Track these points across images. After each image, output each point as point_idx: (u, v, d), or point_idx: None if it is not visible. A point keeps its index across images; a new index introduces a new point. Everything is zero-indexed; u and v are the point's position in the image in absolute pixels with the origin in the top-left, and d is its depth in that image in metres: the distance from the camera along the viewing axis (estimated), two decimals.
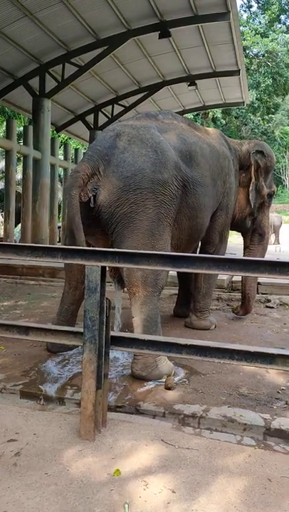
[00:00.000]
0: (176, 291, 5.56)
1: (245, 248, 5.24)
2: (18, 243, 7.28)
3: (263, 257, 5.08)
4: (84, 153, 4.03)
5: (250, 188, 4.75)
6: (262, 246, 5.13)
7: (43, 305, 5.64)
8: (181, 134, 3.84)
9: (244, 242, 5.23)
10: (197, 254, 2.41)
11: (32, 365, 3.42)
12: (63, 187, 11.80)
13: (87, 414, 2.27)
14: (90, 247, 3.40)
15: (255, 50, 28.01)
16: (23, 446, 2.18)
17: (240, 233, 5.31)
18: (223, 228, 4.54)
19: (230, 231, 5.05)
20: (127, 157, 3.30)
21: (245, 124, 36.99)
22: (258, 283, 6.34)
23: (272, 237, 19.09)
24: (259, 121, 34.84)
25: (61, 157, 13.65)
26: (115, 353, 3.56)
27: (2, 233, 13.28)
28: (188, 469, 2.03)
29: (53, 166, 11.97)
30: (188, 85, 12.72)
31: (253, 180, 4.76)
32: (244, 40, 25.35)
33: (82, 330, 2.33)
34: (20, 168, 12.77)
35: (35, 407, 2.76)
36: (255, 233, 5.08)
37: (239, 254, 6.93)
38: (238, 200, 4.81)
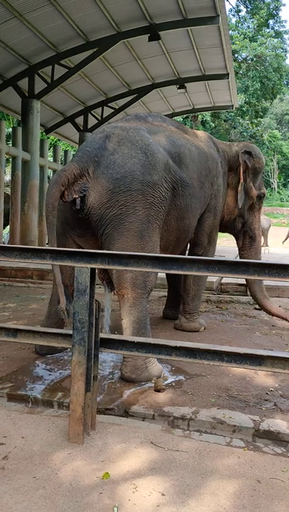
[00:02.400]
0: (166, 293, 5.56)
1: (238, 251, 5.26)
2: (6, 245, 7.20)
3: (258, 259, 5.09)
4: (73, 154, 4.02)
5: (239, 188, 4.73)
6: (254, 249, 5.11)
7: (32, 307, 5.60)
8: (170, 136, 3.86)
9: (237, 244, 5.23)
10: (186, 256, 2.41)
11: (20, 368, 3.39)
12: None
13: (76, 417, 2.25)
14: (79, 248, 3.39)
15: (243, 54, 28.20)
16: (11, 450, 2.16)
17: (230, 236, 5.33)
18: (211, 230, 4.55)
19: (221, 234, 5.06)
20: (117, 159, 3.30)
21: (234, 128, 37.19)
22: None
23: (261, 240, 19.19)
24: (248, 124, 35.07)
25: (50, 159, 13.58)
26: (105, 355, 3.54)
27: None
28: (177, 472, 2.02)
29: (42, 168, 11.92)
30: (178, 88, 12.77)
31: (241, 181, 4.74)
32: (233, 44, 25.54)
33: (71, 332, 2.31)
34: (9, 169, 12.68)
35: (24, 410, 2.73)
36: (246, 235, 5.08)
37: (228, 256, 6.96)
38: (227, 202, 4.81)
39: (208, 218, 4.43)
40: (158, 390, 2.99)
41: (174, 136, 3.93)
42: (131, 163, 3.30)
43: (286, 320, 4.87)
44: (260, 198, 5.03)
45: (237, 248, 5.32)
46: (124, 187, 3.22)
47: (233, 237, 5.28)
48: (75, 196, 3.19)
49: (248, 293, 6.37)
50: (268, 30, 29.77)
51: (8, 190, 11.73)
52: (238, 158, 4.77)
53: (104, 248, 3.23)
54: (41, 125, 12.34)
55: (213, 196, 4.41)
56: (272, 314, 4.95)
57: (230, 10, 31.01)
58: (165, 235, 3.67)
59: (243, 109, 27.99)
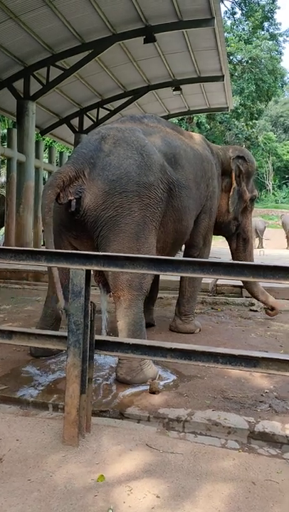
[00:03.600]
0: (162, 295, 5.56)
1: (231, 253, 5.27)
2: (1, 246, 7.20)
3: (251, 261, 5.11)
4: (69, 156, 4.01)
5: (231, 193, 4.79)
6: (248, 252, 5.16)
7: (27, 309, 5.58)
8: (165, 137, 3.86)
9: (229, 246, 5.25)
10: (182, 258, 2.41)
11: (15, 370, 3.37)
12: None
13: (70, 420, 2.24)
14: (74, 250, 3.38)
15: (239, 57, 28.27)
16: (5, 453, 2.15)
17: (219, 238, 5.36)
18: (206, 231, 4.57)
19: (219, 236, 5.10)
20: (113, 160, 3.29)
21: (230, 130, 37.25)
22: (242, 286, 6.39)
23: (256, 241, 19.26)
24: (243, 126, 35.14)
25: (46, 160, 13.55)
26: (100, 357, 3.54)
27: None
28: (172, 474, 2.02)
29: (37, 169, 11.90)
30: (173, 90, 12.79)
31: (235, 185, 4.80)
32: (228, 46, 25.55)
33: (66, 334, 2.31)
34: (4, 171, 12.64)
35: (18, 413, 2.71)
36: (239, 238, 5.12)
37: (224, 258, 6.97)
38: (220, 205, 4.85)
39: (203, 220, 4.44)
40: (153, 392, 2.98)
41: (169, 137, 3.94)
42: (126, 164, 3.30)
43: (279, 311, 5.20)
44: (252, 200, 5.11)
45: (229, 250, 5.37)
46: (120, 188, 3.22)
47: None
48: (70, 198, 3.18)
49: (244, 294, 6.40)
50: (263, 33, 29.83)
51: (4, 192, 11.67)
52: (231, 162, 4.82)
53: (100, 250, 3.22)
54: (37, 126, 12.31)
55: (209, 198, 4.42)
56: (268, 305, 5.13)
57: (226, 12, 31.04)
58: (162, 237, 3.67)
59: (238, 111, 28.04)
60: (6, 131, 13.90)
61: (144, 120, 3.92)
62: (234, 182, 4.80)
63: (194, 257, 4.43)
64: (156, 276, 4.56)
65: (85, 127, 13.96)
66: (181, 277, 4.50)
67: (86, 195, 3.21)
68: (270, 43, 28.89)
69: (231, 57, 26.80)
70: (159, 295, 5.95)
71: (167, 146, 3.79)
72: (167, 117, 16.20)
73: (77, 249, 3.44)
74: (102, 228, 3.23)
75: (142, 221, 3.27)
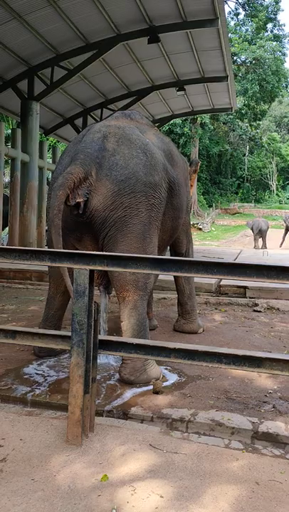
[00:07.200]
0: (165, 296, 5.56)
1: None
2: (5, 246, 7.22)
3: None
4: (63, 151, 3.92)
5: (191, 193, 5.00)
6: None
7: (31, 309, 5.59)
8: (157, 135, 3.88)
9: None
10: (186, 258, 2.40)
11: (19, 370, 3.38)
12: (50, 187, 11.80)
13: (74, 419, 2.25)
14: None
15: (242, 57, 28.32)
16: (9, 452, 2.15)
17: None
18: (187, 228, 4.64)
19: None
20: (119, 160, 3.27)
21: (233, 130, 37.24)
22: (246, 287, 6.40)
23: (259, 242, 19.21)
24: (247, 127, 35.13)
25: (50, 160, 13.58)
26: (103, 357, 3.54)
27: None
28: (176, 474, 2.02)
29: (41, 169, 11.93)
30: (177, 90, 12.80)
31: (194, 186, 5.15)
32: (232, 46, 25.62)
33: (69, 334, 2.31)
34: (8, 170, 12.68)
35: (22, 412, 2.72)
36: None
37: (227, 259, 6.97)
38: None
39: (184, 217, 4.48)
40: (156, 392, 2.98)
41: (159, 134, 3.96)
42: (133, 163, 3.28)
43: None
44: None
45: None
46: (129, 189, 3.20)
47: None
48: (78, 200, 3.13)
49: (247, 295, 6.40)
50: (266, 34, 29.86)
51: (7, 192, 11.71)
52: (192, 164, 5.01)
53: (106, 250, 3.20)
54: (40, 127, 12.36)
55: (187, 194, 4.50)
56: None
57: (229, 13, 31.04)
58: (160, 235, 3.66)
59: (242, 111, 28.05)
60: (10, 131, 13.94)
61: (132, 117, 3.88)
62: (195, 183, 5.09)
63: (182, 254, 4.54)
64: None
65: None
66: (176, 277, 4.51)
67: (93, 196, 3.18)
68: (274, 43, 28.93)
69: (235, 58, 26.87)
70: (162, 295, 5.96)
71: (162, 144, 3.80)
72: (171, 117, 16.25)
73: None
74: (110, 229, 3.21)
75: (147, 221, 3.27)
